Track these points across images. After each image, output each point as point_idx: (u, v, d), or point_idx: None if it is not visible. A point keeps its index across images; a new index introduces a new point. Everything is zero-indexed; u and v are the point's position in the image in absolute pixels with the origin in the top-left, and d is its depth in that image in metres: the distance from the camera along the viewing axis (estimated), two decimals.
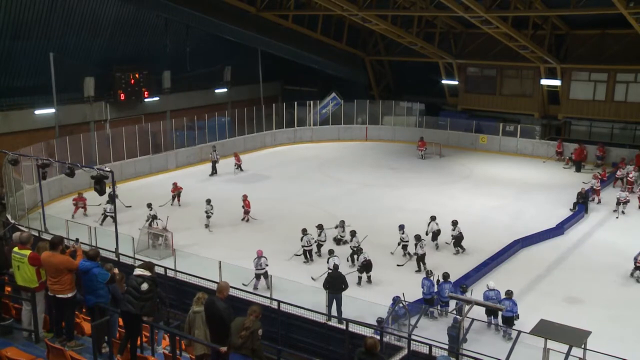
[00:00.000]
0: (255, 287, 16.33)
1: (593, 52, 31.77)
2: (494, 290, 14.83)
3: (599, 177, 25.77)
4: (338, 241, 19.86)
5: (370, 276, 17.10)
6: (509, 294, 14.48)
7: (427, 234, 19.51)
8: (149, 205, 21.30)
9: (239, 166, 29.50)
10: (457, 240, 19.56)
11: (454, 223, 19.63)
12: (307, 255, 18.62)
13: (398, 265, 18.49)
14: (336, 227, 20.16)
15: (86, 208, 22.67)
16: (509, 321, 14.27)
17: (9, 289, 10.08)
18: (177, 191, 24.13)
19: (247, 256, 18.55)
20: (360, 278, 17.08)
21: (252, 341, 7.49)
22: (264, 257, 16.61)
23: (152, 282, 8.36)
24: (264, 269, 16.48)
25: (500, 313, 14.44)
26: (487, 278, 17.35)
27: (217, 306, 7.91)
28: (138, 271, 8.41)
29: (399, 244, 18.84)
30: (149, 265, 8.65)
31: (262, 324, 7.72)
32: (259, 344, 7.59)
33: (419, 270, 17.79)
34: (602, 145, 31.04)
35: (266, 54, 36.84)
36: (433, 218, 19.96)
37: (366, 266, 16.98)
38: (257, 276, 16.54)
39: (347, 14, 30.18)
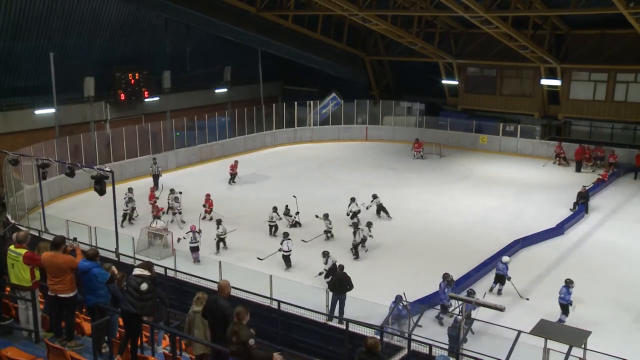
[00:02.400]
0: (197, 260, 18.20)
1: (593, 52, 31.77)
2: (505, 264, 16.50)
3: (601, 178, 25.76)
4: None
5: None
6: (567, 282, 15.08)
7: (347, 214, 21.48)
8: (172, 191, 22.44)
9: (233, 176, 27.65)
10: (379, 209, 22.06)
11: (374, 197, 22.10)
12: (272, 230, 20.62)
13: (304, 240, 19.81)
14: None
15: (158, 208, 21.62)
16: (563, 307, 14.98)
17: (9, 289, 10.08)
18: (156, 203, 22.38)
19: (247, 256, 18.64)
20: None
21: (249, 353, 7.38)
22: (197, 231, 18.21)
23: (151, 281, 8.35)
24: (197, 241, 18.19)
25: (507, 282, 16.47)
26: (487, 278, 17.39)
27: (219, 305, 7.90)
28: (137, 271, 8.40)
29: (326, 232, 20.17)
30: (148, 265, 8.63)
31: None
32: (255, 353, 7.39)
33: (356, 258, 18.77)
34: (602, 146, 30.96)
35: (266, 54, 36.84)
36: (353, 199, 21.91)
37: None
38: (192, 249, 18.21)
39: (347, 14, 30.20)
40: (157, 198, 22.60)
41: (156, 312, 9.95)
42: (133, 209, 21.95)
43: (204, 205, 22.29)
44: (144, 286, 8.19)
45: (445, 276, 15.30)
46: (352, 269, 16.15)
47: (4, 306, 9.80)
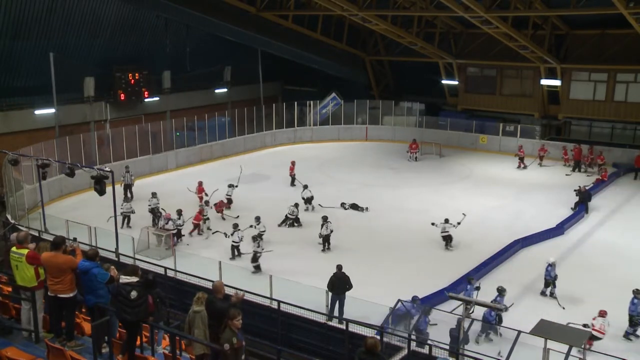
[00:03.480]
0: (174, 244, 18.78)
1: (593, 52, 31.78)
2: (550, 265, 16.27)
3: (601, 178, 25.72)
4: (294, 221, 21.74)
5: (257, 266, 17.64)
6: (636, 292, 14.46)
7: (302, 198, 22.91)
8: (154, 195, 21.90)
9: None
10: (309, 200, 23.33)
11: (305, 187, 23.35)
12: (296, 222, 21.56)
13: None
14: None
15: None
16: (630, 319, 14.44)
17: (9, 289, 10.08)
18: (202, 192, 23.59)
19: (248, 256, 18.62)
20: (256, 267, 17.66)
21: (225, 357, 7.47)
22: (172, 219, 19.43)
23: (140, 288, 8.29)
24: (176, 229, 19.39)
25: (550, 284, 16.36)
26: (487, 278, 17.37)
27: (216, 306, 7.91)
28: (124, 279, 8.28)
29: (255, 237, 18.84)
30: (133, 270, 8.50)
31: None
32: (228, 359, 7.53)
33: (324, 250, 19.10)
34: (592, 147, 30.66)
35: (266, 54, 36.84)
36: (305, 187, 23.39)
37: (253, 258, 17.65)
38: (174, 235, 19.12)
39: (347, 14, 30.18)
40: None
41: (155, 312, 9.95)
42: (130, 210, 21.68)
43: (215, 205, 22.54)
44: (134, 294, 8.17)
45: (470, 279, 15.29)
46: (352, 269, 16.14)
47: (4, 306, 9.80)
